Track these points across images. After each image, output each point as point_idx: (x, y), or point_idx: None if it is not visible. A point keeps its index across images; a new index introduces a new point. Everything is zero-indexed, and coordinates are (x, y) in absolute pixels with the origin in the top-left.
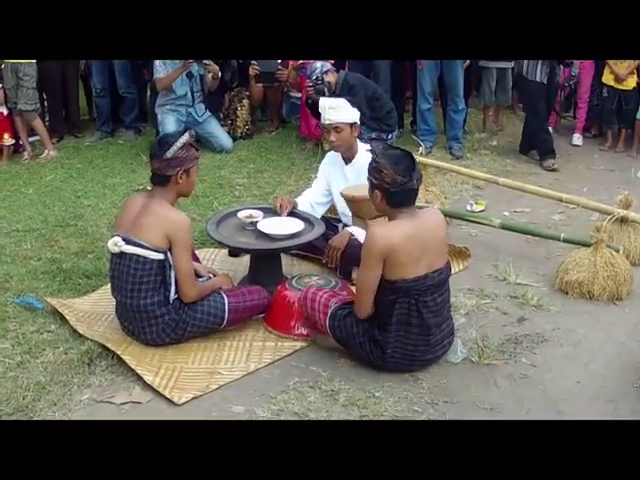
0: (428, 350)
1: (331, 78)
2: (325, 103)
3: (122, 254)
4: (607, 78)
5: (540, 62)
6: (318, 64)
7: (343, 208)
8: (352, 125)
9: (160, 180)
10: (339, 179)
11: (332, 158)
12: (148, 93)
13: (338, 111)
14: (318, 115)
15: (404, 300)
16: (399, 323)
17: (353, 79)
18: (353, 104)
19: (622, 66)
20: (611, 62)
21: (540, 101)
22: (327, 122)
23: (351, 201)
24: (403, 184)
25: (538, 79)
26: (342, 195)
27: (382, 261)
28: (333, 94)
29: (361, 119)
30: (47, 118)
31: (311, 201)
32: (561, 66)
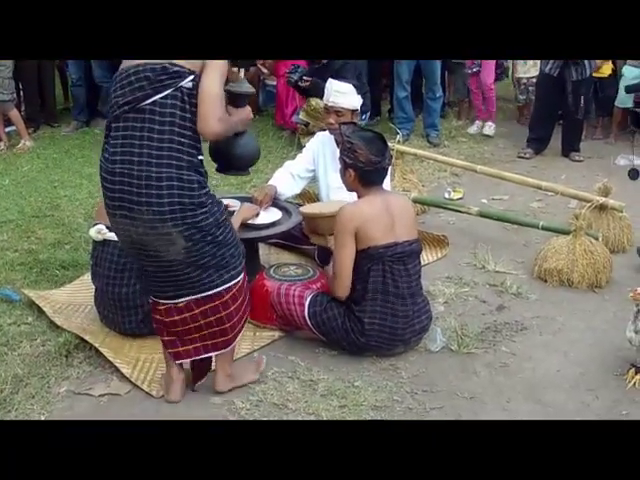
0: (406, 322)
1: None
2: (332, 86)
3: (105, 242)
4: (607, 69)
5: None
6: None
7: (326, 191)
8: (353, 111)
9: None
10: (328, 160)
11: (323, 139)
12: None
13: (344, 96)
14: (312, 95)
15: (378, 267)
16: (375, 291)
17: None
18: (344, 79)
19: None
20: None
21: (542, 91)
22: (330, 104)
23: (311, 218)
24: (377, 163)
25: (546, 70)
26: (301, 214)
27: (354, 236)
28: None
29: None
30: (23, 108)
31: (293, 172)
32: (575, 65)
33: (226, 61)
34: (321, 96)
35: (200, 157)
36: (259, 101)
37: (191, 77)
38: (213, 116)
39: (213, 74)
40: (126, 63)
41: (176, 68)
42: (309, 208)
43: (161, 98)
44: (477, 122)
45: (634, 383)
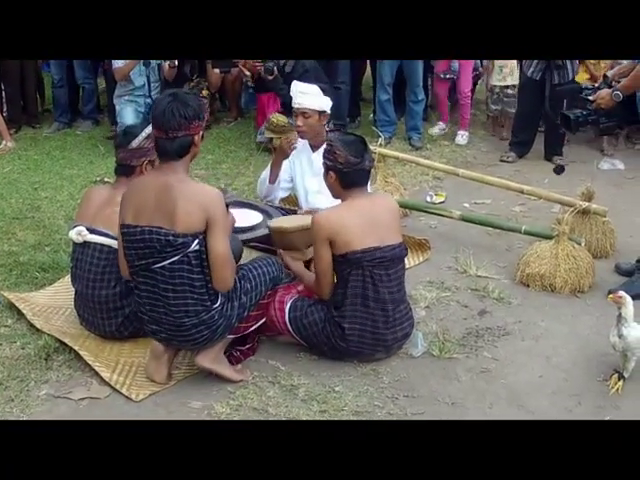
0: (388, 328)
1: None
2: (297, 87)
3: (85, 244)
4: (581, 77)
5: None
6: None
7: (305, 195)
8: (321, 113)
9: (124, 171)
10: (304, 166)
11: (298, 145)
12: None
13: (309, 97)
14: (264, 91)
15: (357, 272)
16: (354, 296)
17: (309, 64)
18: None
19: (600, 67)
20: (589, 63)
21: (525, 95)
22: (296, 106)
23: (281, 232)
24: (355, 164)
25: (528, 74)
26: (270, 229)
27: (328, 243)
28: (283, 74)
29: None
30: (5, 109)
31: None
32: (557, 68)
33: (227, 214)
34: (278, 93)
35: (215, 305)
36: (241, 103)
37: (196, 241)
38: (227, 277)
39: (218, 232)
40: (126, 220)
41: (180, 240)
42: (278, 222)
43: (169, 264)
44: (440, 123)
45: (617, 389)
